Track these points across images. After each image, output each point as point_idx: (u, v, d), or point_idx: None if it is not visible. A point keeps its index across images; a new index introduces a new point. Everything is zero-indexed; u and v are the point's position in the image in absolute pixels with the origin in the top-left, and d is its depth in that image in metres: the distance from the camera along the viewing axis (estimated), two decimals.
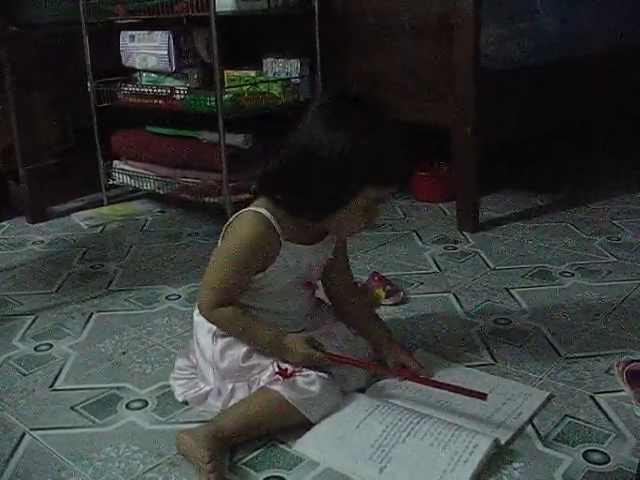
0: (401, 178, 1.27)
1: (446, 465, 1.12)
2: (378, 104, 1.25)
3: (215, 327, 1.32)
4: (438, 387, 1.28)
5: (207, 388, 1.33)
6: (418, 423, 1.21)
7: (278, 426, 1.23)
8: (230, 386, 1.30)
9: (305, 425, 1.23)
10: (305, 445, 1.20)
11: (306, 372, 1.26)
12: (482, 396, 1.22)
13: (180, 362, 1.43)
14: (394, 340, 1.44)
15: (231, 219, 1.31)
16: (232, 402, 1.28)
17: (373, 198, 1.24)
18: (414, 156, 2.54)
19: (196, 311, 1.36)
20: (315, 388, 1.24)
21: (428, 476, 1.11)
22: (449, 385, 1.27)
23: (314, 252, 1.34)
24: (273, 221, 1.26)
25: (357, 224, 1.29)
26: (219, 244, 1.34)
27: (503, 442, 1.18)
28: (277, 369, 1.26)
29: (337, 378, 1.30)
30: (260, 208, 1.27)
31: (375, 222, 1.33)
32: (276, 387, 1.23)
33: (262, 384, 1.26)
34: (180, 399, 1.35)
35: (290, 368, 1.26)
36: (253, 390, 1.27)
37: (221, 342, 1.31)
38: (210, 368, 1.32)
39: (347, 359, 1.31)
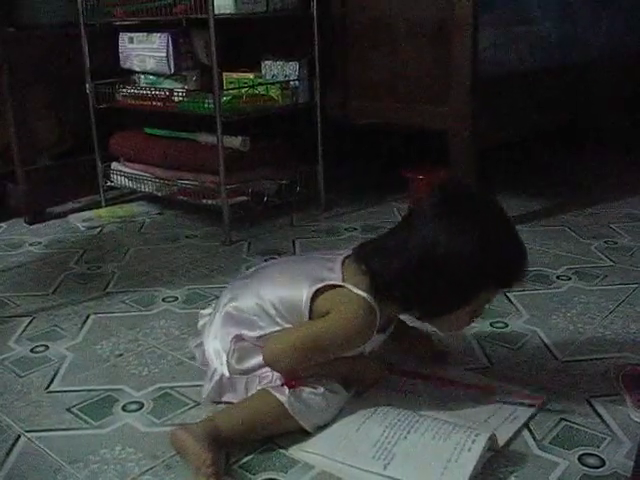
0: (523, 278, 1.24)
1: (450, 455, 1.12)
2: (496, 203, 1.25)
3: (240, 331, 1.30)
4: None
5: (216, 377, 1.31)
6: (417, 421, 1.21)
7: (275, 432, 1.22)
8: (244, 381, 1.29)
9: (303, 430, 1.22)
10: (304, 451, 1.20)
11: (314, 385, 1.25)
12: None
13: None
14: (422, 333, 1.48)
15: (336, 289, 1.24)
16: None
17: (488, 299, 1.25)
18: (414, 160, 2.57)
19: (231, 304, 1.33)
20: (320, 401, 1.23)
21: (433, 467, 1.11)
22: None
23: (384, 336, 1.34)
24: (378, 319, 1.23)
25: (462, 323, 1.29)
26: (297, 289, 1.26)
27: (500, 445, 1.18)
28: (284, 379, 1.25)
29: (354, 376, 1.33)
30: (372, 300, 1.21)
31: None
32: (280, 395, 1.21)
33: (272, 383, 1.26)
34: (204, 395, 1.34)
35: (296, 381, 1.25)
36: (262, 385, 1.27)
37: (241, 345, 1.30)
38: (224, 357, 1.31)
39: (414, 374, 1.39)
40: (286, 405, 1.20)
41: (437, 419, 1.23)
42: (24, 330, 1.70)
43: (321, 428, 1.23)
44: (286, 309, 1.26)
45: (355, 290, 1.22)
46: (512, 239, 1.22)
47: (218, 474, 1.11)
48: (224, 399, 1.31)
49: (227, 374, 1.30)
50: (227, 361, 1.30)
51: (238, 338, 1.30)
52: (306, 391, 1.23)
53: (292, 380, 1.24)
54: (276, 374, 1.27)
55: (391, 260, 1.20)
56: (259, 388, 1.26)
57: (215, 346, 1.33)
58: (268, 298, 1.28)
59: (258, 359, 1.28)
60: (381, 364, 1.38)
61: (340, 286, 1.24)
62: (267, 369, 1.28)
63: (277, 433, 1.22)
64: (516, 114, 2.29)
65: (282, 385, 1.24)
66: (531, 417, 1.27)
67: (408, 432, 1.19)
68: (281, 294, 1.28)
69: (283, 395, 1.21)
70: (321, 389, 1.24)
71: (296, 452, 1.19)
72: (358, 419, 1.24)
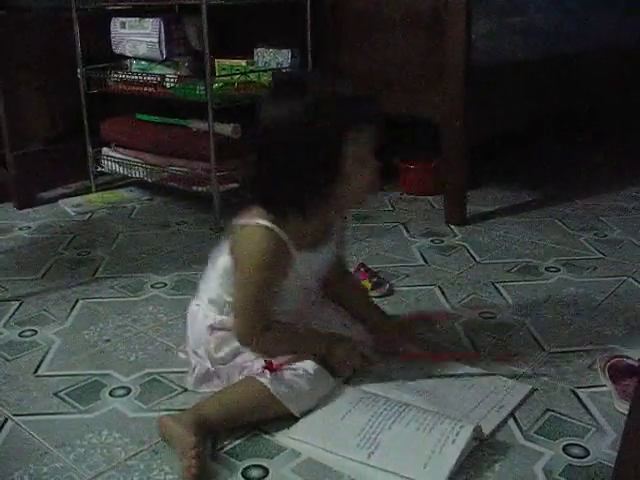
0: (371, 115, 1.28)
1: (433, 447, 1.13)
2: (317, 73, 1.27)
3: (212, 320, 1.33)
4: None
5: (202, 371, 1.33)
6: (403, 411, 1.22)
7: (262, 417, 1.23)
8: (226, 371, 1.31)
9: (289, 417, 1.23)
10: (290, 437, 1.20)
11: (294, 366, 1.26)
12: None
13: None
14: (389, 319, 1.50)
15: (235, 231, 1.29)
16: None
17: (362, 155, 1.24)
18: (403, 149, 2.56)
19: (196, 302, 1.37)
20: (302, 382, 1.24)
21: (416, 458, 1.12)
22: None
23: (322, 257, 1.35)
24: (283, 235, 1.25)
25: (363, 189, 1.28)
26: (223, 254, 1.31)
27: (486, 435, 1.19)
28: (264, 363, 1.26)
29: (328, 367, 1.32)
30: (266, 222, 1.24)
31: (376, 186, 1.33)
32: (263, 379, 1.23)
33: (253, 371, 1.26)
34: (189, 387, 1.35)
35: (277, 362, 1.26)
36: (244, 374, 1.28)
37: (218, 334, 1.32)
38: (203, 350, 1.33)
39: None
40: (269, 387, 1.21)
41: (422, 409, 1.23)
42: (13, 314, 1.70)
43: (307, 415, 1.24)
44: (228, 276, 1.30)
45: (249, 221, 1.26)
46: (339, 89, 1.26)
47: (201, 457, 1.11)
48: (208, 389, 1.32)
49: (210, 366, 1.32)
50: (207, 352, 1.32)
51: (212, 328, 1.32)
52: (287, 373, 1.25)
53: (272, 364, 1.25)
54: (257, 363, 1.28)
55: (260, 173, 1.24)
56: (239, 380, 1.28)
57: (194, 343, 1.36)
58: (217, 266, 1.32)
59: (233, 345, 1.30)
60: (353, 345, 1.36)
61: (243, 226, 1.27)
62: (247, 359, 1.29)
63: (263, 418, 1.23)
64: (510, 105, 2.29)
65: (263, 371, 1.25)
66: (517, 407, 1.27)
67: (393, 422, 1.19)
68: (219, 264, 1.32)
69: (265, 378, 1.23)
70: (300, 370, 1.26)
71: (282, 439, 1.20)
72: (344, 407, 1.25)
